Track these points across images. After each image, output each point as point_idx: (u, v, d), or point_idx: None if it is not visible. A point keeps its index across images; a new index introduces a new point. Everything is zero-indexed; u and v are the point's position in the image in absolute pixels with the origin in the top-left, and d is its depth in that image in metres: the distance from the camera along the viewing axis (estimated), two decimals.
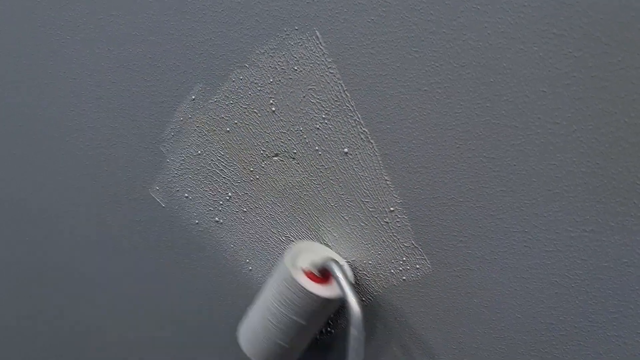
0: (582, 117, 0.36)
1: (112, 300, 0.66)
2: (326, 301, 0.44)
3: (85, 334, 0.71)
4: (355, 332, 0.40)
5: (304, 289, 0.43)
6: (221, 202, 0.53)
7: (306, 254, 0.47)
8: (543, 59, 0.37)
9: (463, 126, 0.40)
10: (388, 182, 0.44)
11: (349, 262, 0.48)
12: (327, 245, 0.49)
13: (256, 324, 0.46)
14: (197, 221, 0.56)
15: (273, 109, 0.48)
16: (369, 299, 0.48)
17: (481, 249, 0.42)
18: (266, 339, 0.46)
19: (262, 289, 0.48)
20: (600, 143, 0.36)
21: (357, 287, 0.49)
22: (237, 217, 0.53)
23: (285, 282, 0.44)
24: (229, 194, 0.53)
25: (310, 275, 0.44)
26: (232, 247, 0.55)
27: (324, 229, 0.49)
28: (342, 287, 0.41)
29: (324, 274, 0.45)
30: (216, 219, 0.55)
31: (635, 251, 0.37)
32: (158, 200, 0.57)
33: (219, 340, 0.61)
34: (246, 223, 0.53)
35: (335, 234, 0.48)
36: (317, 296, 0.43)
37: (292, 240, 0.51)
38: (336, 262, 0.43)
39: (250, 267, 0.55)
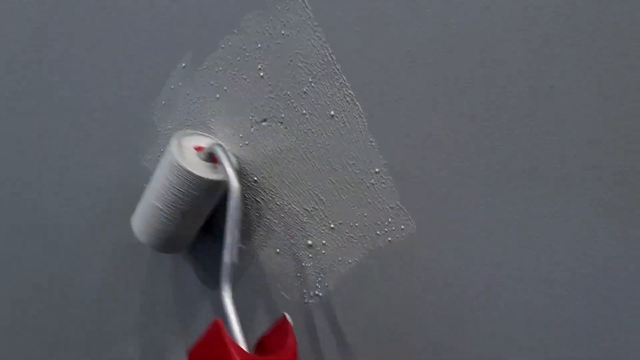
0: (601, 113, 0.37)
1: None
2: (209, 183, 0.47)
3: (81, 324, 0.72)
4: (232, 209, 0.43)
5: (188, 171, 0.46)
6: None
7: (191, 139, 0.50)
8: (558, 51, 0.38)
9: (448, 83, 0.41)
10: (373, 144, 0.45)
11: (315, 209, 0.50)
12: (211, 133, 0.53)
13: (146, 210, 0.49)
14: None
15: (261, 74, 0.49)
16: (355, 260, 0.49)
17: (466, 210, 0.43)
18: (156, 224, 0.49)
19: (151, 177, 0.51)
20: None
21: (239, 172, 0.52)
22: None
23: (170, 166, 0.46)
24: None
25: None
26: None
27: (312, 193, 0.50)
28: (224, 166, 0.45)
29: (209, 160, 0.48)
30: None
31: None
32: (150, 169, 0.58)
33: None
34: None
35: (322, 197, 0.49)
36: (200, 177, 0.46)
37: (281, 207, 0.52)
38: (221, 145, 0.47)
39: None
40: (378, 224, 0.47)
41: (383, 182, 0.46)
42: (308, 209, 0.50)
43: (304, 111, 0.48)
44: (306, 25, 0.45)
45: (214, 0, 0.49)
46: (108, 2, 0.54)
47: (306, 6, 0.45)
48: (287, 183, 0.51)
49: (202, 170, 0.47)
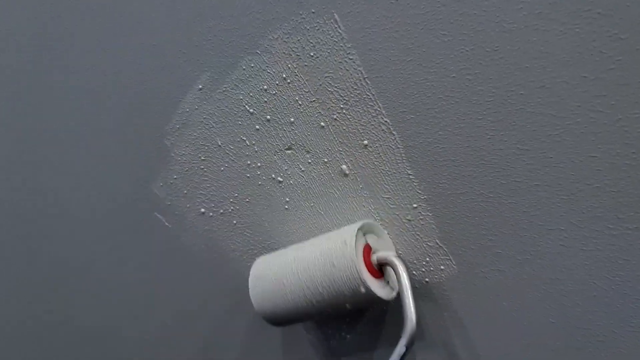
0: (627, 105, 0.34)
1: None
2: (376, 299, 0.40)
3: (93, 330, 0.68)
4: (403, 347, 0.38)
5: (365, 283, 0.38)
6: (231, 200, 0.50)
7: (367, 234, 0.42)
8: (585, 42, 0.34)
9: (495, 115, 0.37)
10: (411, 177, 0.41)
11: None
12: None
13: (283, 285, 0.42)
14: (202, 210, 0.52)
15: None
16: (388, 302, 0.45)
17: (512, 248, 0.39)
18: (285, 304, 0.42)
19: (300, 249, 0.43)
20: None
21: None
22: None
23: (344, 265, 0.39)
24: (235, 194, 0.50)
25: (367, 263, 0.40)
26: (241, 239, 0.52)
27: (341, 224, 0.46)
28: (404, 293, 0.38)
29: (380, 267, 0.41)
30: (221, 211, 0.51)
31: None
32: (161, 196, 0.54)
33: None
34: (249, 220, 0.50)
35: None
36: (373, 294, 0.39)
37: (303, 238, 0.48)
38: (402, 261, 0.40)
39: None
40: (414, 263, 0.43)
41: (421, 219, 0.42)
42: None
43: (334, 140, 0.44)
44: (338, 46, 0.41)
45: (235, 18, 0.45)
46: (124, 23, 0.51)
47: (338, 26, 0.41)
48: (318, 210, 0.47)
49: (374, 283, 0.40)
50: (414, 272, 0.43)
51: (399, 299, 0.39)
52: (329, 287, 0.39)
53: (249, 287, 0.44)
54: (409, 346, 0.38)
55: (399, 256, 0.42)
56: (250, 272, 0.45)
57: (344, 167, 0.44)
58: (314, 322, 0.49)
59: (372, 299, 0.39)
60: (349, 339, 0.48)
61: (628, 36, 0.33)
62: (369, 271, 0.40)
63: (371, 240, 0.42)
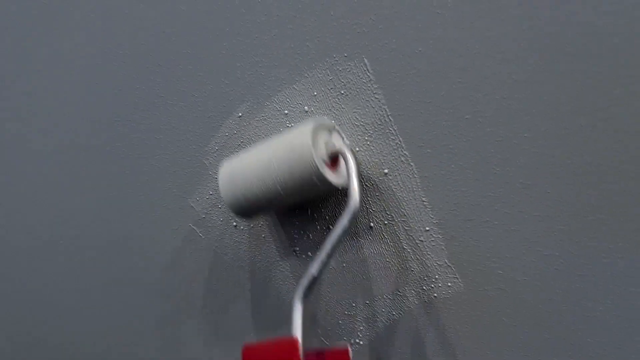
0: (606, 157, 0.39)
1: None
2: (330, 186, 0.45)
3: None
4: (345, 220, 0.43)
5: (321, 174, 0.44)
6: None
7: (321, 131, 0.47)
8: (580, 94, 0.39)
9: (502, 153, 0.43)
10: (425, 203, 0.47)
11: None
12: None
13: (246, 177, 0.47)
14: (234, 223, 0.58)
15: None
16: (399, 313, 0.51)
17: (513, 270, 0.45)
18: (248, 194, 0.48)
19: (262, 145, 0.48)
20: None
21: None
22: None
23: (301, 157, 0.44)
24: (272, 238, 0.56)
25: (323, 154, 0.45)
26: (267, 251, 0.57)
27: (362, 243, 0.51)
28: (350, 176, 0.44)
29: (333, 158, 0.46)
30: (251, 225, 0.57)
31: None
32: (197, 209, 0.60)
33: None
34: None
35: (372, 249, 0.51)
36: (329, 183, 0.44)
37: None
38: (351, 151, 0.46)
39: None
40: (425, 280, 0.49)
41: (432, 240, 0.47)
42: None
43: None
44: (366, 87, 0.47)
45: (275, 57, 0.51)
46: (172, 48, 0.57)
47: (367, 69, 0.47)
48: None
49: (329, 172, 0.45)
50: (424, 287, 0.49)
51: None
52: (288, 172, 0.45)
53: (219, 182, 0.50)
54: (351, 221, 0.43)
55: (349, 147, 0.48)
56: (220, 169, 0.50)
57: None
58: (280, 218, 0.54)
59: (324, 183, 0.44)
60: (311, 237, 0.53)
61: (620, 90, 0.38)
62: (323, 162, 0.45)
63: (328, 136, 0.47)
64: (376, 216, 0.49)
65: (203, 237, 0.60)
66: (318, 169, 0.43)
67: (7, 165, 0.74)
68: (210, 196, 0.59)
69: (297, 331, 0.43)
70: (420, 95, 0.45)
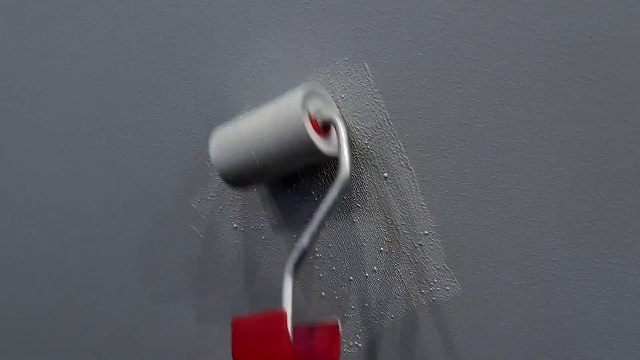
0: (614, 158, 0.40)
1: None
2: (320, 155, 0.44)
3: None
4: (335, 191, 0.43)
5: (311, 140, 0.43)
6: (262, 218, 0.56)
7: (314, 99, 0.46)
8: (577, 101, 0.40)
9: (499, 159, 0.43)
10: (424, 207, 0.47)
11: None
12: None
13: (238, 143, 0.47)
14: (235, 225, 0.59)
15: None
16: (397, 316, 0.51)
17: (509, 274, 0.45)
18: (239, 160, 0.47)
19: (254, 111, 0.48)
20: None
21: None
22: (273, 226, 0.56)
23: (291, 124, 0.43)
24: (266, 212, 0.56)
25: (314, 123, 0.45)
26: (268, 253, 0.58)
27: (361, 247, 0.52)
28: (341, 145, 0.43)
29: (324, 126, 0.45)
30: (251, 227, 0.57)
31: None
32: (198, 211, 0.60)
33: None
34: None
35: (371, 251, 0.51)
36: (318, 149, 0.44)
37: (328, 262, 0.54)
38: (343, 119, 0.45)
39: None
40: (423, 283, 0.49)
41: (431, 244, 0.48)
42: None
43: (357, 171, 0.50)
44: (366, 91, 0.48)
45: (276, 61, 0.51)
46: (175, 50, 0.57)
47: (368, 73, 0.47)
48: (335, 234, 0.53)
49: (318, 139, 0.44)
50: (422, 291, 0.49)
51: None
52: (278, 139, 0.44)
53: (209, 150, 0.49)
54: (341, 193, 0.43)
55: (341, 115, 0.48)
56: (212, 137, 0.50)
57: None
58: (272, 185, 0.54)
59: (313, 151, 0.44)
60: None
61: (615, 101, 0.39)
62: (314, 129, 0.44)
63: (321, 103, 0.47)
64: (374, 218, 0.50)
65: (204, 237, 0.61)
66: (308, 136, 0.43)
67: (7, 165, 0.74)
68: (212, 198, 0.59)
69: (287, 304, 0.43)
70: (419, 100, 0.46)
